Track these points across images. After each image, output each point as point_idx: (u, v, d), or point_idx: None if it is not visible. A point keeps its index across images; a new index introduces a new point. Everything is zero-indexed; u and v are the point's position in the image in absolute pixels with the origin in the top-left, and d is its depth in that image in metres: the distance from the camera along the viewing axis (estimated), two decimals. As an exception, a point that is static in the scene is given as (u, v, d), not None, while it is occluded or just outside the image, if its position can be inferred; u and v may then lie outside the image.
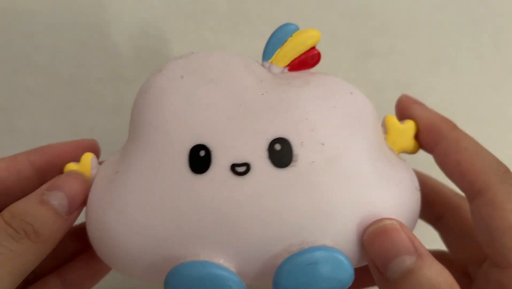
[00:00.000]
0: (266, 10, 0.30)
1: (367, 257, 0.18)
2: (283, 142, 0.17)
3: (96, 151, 0.22)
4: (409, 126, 0.21)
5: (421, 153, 0.23)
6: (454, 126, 0.22)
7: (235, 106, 0.17)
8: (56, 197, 0.18)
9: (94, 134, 0.31)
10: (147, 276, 0.18)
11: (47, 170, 0.21)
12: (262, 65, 0.20)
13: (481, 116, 0.34)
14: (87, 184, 0.19)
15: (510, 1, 0.32)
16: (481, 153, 0.21)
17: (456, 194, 0.24)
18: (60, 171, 0.20)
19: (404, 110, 0.22)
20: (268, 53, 0.20)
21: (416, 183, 0.20)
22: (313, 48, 0.20)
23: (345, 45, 0.32)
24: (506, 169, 0.20)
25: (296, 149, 0.17)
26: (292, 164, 0.17)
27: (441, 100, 0.33)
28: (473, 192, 0.19)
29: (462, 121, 0.33)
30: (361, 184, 0.17)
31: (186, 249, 0.17)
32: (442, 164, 0.21)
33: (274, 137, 0.17)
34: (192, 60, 0.19)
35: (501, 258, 0.18)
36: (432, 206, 0.23)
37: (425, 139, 0.22)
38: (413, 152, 0.22)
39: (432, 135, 0.21)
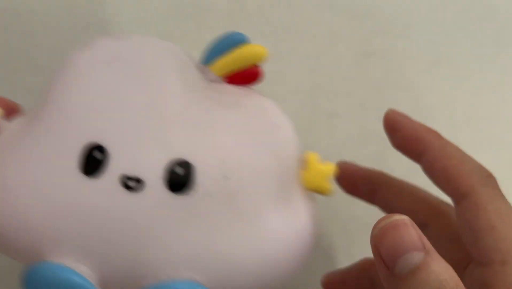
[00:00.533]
0: (266, 11, 0.30)
1: (375, 252, 0.18)
2: (187, 166, 0.16)
3: (13, 111, 0.20)
4: (329, 168, 0.21)
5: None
6: (439, 136, 0.23)
7: (151, 114, 0.16)
8: None
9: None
10: (10, 255, 0.17)
11: None
12: (200, 68, 0.19)
13: (481, 117, 0.34)
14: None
15: (510, 1, 0.32)
16: (466, 159, 0.22)
17: (442, 202, 0.25)
18: None
19: (391, 123, 0.24)
20: (208, 57, 0.19)
21: (310, 228, 0.19)
22: (255, 66, 0.19)
23: (345, 45, 0.32)
24: (488, 174, 0.22)
25: (199, 177, 0.16)
26: (189, 192, 0.15)
27: (441, 100, 0.33)
28: (459, 195, 0.21)
29: (462, 122, 0.34)
30: (254, 226, 0.16)
31: (53, 248, 0.16)
32: (429, 171, 0.23)
33: (179, 159, 0.16)
34: (125, 47, 0.18)
35: (484, 256, 0.19)
36: (418, 214, 0.23)
37: (412, 149, 0.24)
38: (326, 194, 0.21)
39: (419, 145, 0.23)
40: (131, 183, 0.15)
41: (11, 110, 0.20)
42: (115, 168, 0.15)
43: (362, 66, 0.32)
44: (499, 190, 0.21)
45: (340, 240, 0.33)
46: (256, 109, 0.18)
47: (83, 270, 0.15)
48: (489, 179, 0.21)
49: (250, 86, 0.19)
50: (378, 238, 0.17)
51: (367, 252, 0.33)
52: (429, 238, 0.22)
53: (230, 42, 0.18)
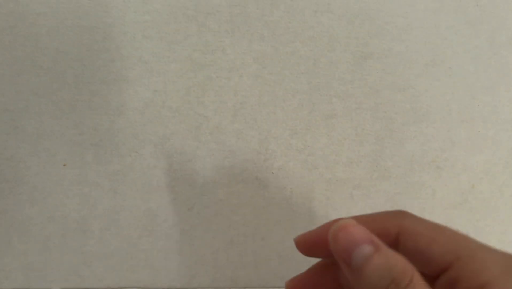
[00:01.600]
0: (265, 14, 0.31)
1: (335, 253, 0.20)
2: None
3: None
4: None
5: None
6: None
7: None
8: None
9: (97, 135, 0.32)
10: None
11: None
12: None
13: (476, 117, 0.34)
14: None
15: (505, 3, 0.32)
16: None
17: (398, 213, 0.24)
18: None
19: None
20: None
21: None
22: None
23: (342, 48, 0.32)
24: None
25: None
26: None
27: (437, 101, 0.33)
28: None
29: (457, 122, 0.34)
30: None
31: None
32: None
33: None
34: None
35: None
36: (387, 236, 0.23)
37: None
38: None
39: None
40: None
41: None
42: None
43: (359, 68, 0.32)
44: None
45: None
46: None
47: None
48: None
49: None
50: (333, 240, 0.19)
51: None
52: (402, 253, 0.22)
53: None
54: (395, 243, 0.22)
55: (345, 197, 0.33)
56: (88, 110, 0.31)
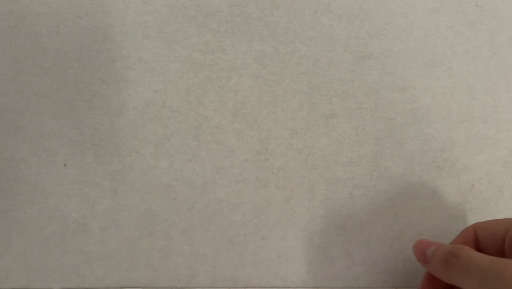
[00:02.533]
0: (265, 14, 0.31)
1: (418, 259, 0.29)
2: None
3: None
4: None
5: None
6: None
7: None
8: None
9: (97, 135, 0.32)
10: None
11: None
12: None
13: (476, 118, 0.34)
14: None
15: (504, 3, 0.32)
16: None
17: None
18: None
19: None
20: None
21: None
22: None
23: (342, 48, 0.32)
24: None
25: None
26: None
27: (437, 101, 0.33)
28: None
29: (457, 122, 0.34)
30: None
31: None
32: None
33: None
34: None
35: None
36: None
37: None
38: None
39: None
40: None
41: None
42: None
43: (359, 68, 0.32)
44: None
45: (337, 237, 0.33)
46: None
47: None
48: None
49: None
50: (414, 251, 0.29)
51: (364, 249, 0.33)
52: None
53: None
54: (476, 240, 0.30)
55: (345, 197, 0.33)
56: (88, 110, 0.31)
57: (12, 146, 0.32)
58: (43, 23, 0.30)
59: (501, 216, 0.36)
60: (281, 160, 0.32)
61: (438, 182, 0.35)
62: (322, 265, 0.33)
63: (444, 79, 0.33)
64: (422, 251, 0.29)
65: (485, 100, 0.34)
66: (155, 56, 0.30)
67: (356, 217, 0.33)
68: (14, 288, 0.32)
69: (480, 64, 0.33)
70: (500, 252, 0.29)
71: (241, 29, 0.31)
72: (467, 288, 0.25)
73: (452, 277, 0.26)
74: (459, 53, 0.33)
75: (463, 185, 0.35)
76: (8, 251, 0.33)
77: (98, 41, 0.30)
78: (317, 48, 0.32)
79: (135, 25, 0.30)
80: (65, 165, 0.32)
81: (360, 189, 0.34)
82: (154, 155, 0.32)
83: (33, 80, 0.31)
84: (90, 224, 0.32)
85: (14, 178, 0.32)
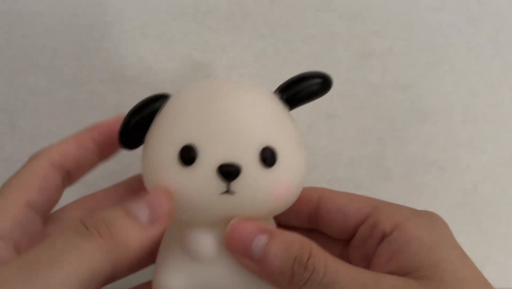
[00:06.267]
0: (265, 12, 0.31)
1: (236, 256, 0.21)
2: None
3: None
4: None
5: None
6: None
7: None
8: (140, 207, 0.20)
9: (95, 134, 0.32)
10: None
11: (104, 143, 0.25)
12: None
13: (479, 117, 0.34)
14: (172, 202, 0.21)
15: (507, 1, 0.32)
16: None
17: (321, 188, 0.26)
18: (115, 142, 0.23)
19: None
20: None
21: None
22: None
23: (344, 46, 0.32)
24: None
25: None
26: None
27: (439, 100, 0.33)
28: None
29: (460, 122, 0.34)
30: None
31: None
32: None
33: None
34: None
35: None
36: (309, 202, 0.25)
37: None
38: None
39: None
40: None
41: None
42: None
43: (361, 67, 0.32)
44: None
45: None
46: None
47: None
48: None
49: None
50: (229, 242, 0.21)
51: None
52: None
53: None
54: (316, 207, 0.24)
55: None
56: (86, 110, 0.31)
57: (9, 146, 0.32)
58: (40, 22, 0.30)
59: (505, 217, 0.36)
60: (282, 160, 0.32)
61: (441, 182, 0.35)
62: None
63: (446, 78, 0.33)
64: (246, 245, 0.20)
65: (488, 100, 0.34)
66: (154, 55, 0.30)
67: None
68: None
69: (483, 63, 0.33)
70: (345, 237, 0.24)
71: (241, 27, 0.31)
72: None
73: None
74: (462, 52, 0.33)
75: (466, 185, 0.35)
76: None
77: (96, 40, 0.30)
78: (318, 47, 0.31)
79: (133, 23, 0.30)
80: (62, 165, 0.32)
81: (362, 189, 0.34)
82: (152, 155, 0.32)
83: (30, 80, 0.31)
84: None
85: (11, 179, 0.32)
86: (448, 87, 0.33)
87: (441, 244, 0.21)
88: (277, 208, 0.22)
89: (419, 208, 0.35)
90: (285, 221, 0.25)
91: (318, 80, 0.23)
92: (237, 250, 0.21)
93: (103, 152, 0.25)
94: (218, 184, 0.20)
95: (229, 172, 0.20)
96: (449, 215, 0.35)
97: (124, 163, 0.32)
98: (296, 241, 0.20)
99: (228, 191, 0.20)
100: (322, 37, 0.32)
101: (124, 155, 0.32)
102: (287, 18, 0.31)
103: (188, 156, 0.20)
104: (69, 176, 0.24)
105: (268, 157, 0.21)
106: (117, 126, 0.23)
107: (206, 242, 0.21)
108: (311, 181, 0.33)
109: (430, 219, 0.23)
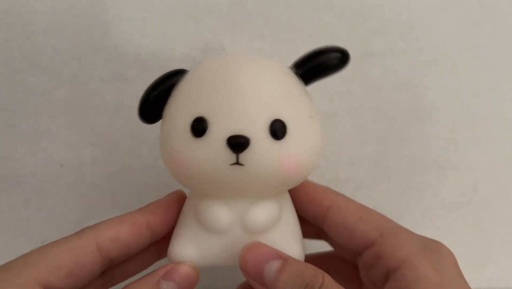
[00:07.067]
0: (265, 11, 0.30)
1: (247, 276, 0.21)
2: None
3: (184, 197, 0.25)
4: None
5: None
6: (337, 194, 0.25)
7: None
8: (170, 287, 0.21)
9: (94, 134, 0.32)
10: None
11: (160, 229, 0.23)
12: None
13: (479, 117, 0.34)
14: (197, 277, 0.22)
15: (508, 1, 0.32)
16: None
17: (335, 192, 0.25)
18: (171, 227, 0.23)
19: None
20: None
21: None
22: None
23: (344, 45, 0.32)
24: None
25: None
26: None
27: (439, 100, 0.33)
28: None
29: (460, 121, 0.34)
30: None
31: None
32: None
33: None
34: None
35: None
36: (319, 206, 0.24)
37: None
38: None
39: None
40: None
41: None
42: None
43: (361, 66, 0.32)
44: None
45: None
46: None
47: None
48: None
49: None
50: (243, 263, 0.21)
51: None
52: (330, 228, 0.24)
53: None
54: (324, 215, 0.24)
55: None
56: (86, 109, 0.31)
57: (8, 145, 0.32)
58: (40, 21, 0.30)
59: (505, 217, 0.36)
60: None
61: (441, 182, 0.35)
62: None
63: (446, 78, 0.33)
64: (259, 268, 0.21)
65: (488, 99, 0.34)
66: (153, 54, 0.30)
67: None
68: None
69: (483, 62, 0.33)
70: (350, 251, 0.24)
71: (241, 26, 0.31)
72: None
73: None
74: (462, 52, 0.33)
75: (466, 185, 0.35)
76: (4, 253, 0.33)
77: (96, 40, 0.30)
78: (318, 46, 0.31)
79: (133, 23, 0.30)
80: (62, 165, 0.32)
81: (362, 189, 0.34)
82: (152, 155, 0.32)
83: (29, 79, 0.31)
84: (87, 225, 0.32)
85: (11, 178, 0.32)
86: (448, 87, 0.33)
87: (450, 286, 0.20)
88: (288, 181, 0.22)
89: (419, 208, 0.35)
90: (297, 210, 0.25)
91: (335, 55, 0.23)
92: (249, 271, 0.21)
93: (155, 236, 0.23)
94: (228, 155, 0.20)
95: (237, 143, 0.20)
96: (449, 215, 0.36)
97: (124, 163, 0.32)
98: (309, 269, 0.20)
99: (237, 162, 0.20)
100: (322, 37, 0.31)
101: (124, 155, 0.32)
102: (287, 18, 0.31)
103: (199, 127, 0.21)
104: (110, 262, 0.22)
105: (277, 129, 0.21)
106: (174, 208, 0.23)
107: (219, 214, 0.22)
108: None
109: (439, 254, 0.21)
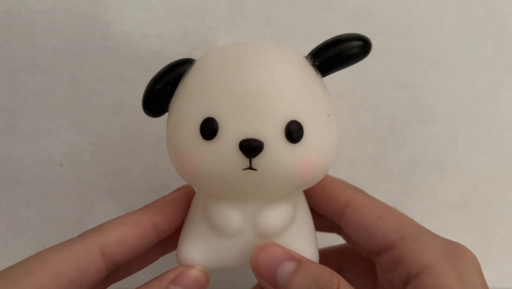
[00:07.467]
0: (265, 11, 0.30)
1: (258, 277, 0.20)
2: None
3: (192, 193, 0.24)
4: None
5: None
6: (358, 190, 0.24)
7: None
8: None
9: (94, 134, 0.32)
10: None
11: (166, 229, 0.22)
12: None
13: (479, 117, 0.34)
14: (207, 281, 0.21)
15: (508, 1, 0.32)
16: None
17: (353, 187, 0.25)
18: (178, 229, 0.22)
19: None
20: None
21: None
22: None
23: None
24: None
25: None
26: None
27: (440, 100, 0.33)
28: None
29: (461, 121, 0.34)
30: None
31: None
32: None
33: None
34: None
35: None
36: (336, 202, 0.23)
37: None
38: None
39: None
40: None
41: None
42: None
43: (361, 66, 0.32)
44: None
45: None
46: None
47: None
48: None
49: None
50: (255, 263, 0.20)
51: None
52: (347, 224, 0.23)
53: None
54: (341, 212, 0.23)
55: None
56: (86, 109, 0.31)
57: (8, 145, 0.32)
58: (40, 21, 0.30)
59: (505, 217, 0.36)
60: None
61: (441, 182, 0.35)
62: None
63: (447, 77, 0.33)
64: (271, 269, 0.20)
65: (489, 99, 0.34)
66: (153, 54, 0.30)
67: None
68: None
69: (483, 62, 0.33)
70: (367, 250, 0.23)
71: (241, 27, 0.31)
72: None
73: None
74: (462, 52, 0.32)
75: (466, 185, 0.35)
76: (4, 253, 0.33)
77: (95, 40, 0.30)
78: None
79: (133, 22, 0.30)
80: (62, 165, 0.32)
81: (362, 189, 0.34)
82: (152, 155, 0.32)
83: (29, 79, 0.31)
84: (87, 225, 0.32)
85: (10, 178, 0.32)
86: (449, 87, 0.33)
87: None
88: (303, 184, 0.21)
89: (419, 208, 0.35)
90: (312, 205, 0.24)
91: (356, 43, 0.21)
92: (261, 272, 0.20)
93: (161, 235, 0.22)
94: (240, 160, 0.19)
95: (250, 148, 0.19)
96: (449, 215, 0.36)
97: (124, 163, 0.32)
98: (325, 272, 0.19)
99: (250, 167, 0.19)
100: (322, 37, 0.31)
101: (124, 155, 0.32)
102: (287, 18, 0.31)
103: (209, 129, 0.19)
104: (115, 266, 0.21)
105: (293, 132, 0.19)
106: (181, 206, 0.22)
107: (230, 217, 0.21)
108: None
109: (462, 262, 0.20)
